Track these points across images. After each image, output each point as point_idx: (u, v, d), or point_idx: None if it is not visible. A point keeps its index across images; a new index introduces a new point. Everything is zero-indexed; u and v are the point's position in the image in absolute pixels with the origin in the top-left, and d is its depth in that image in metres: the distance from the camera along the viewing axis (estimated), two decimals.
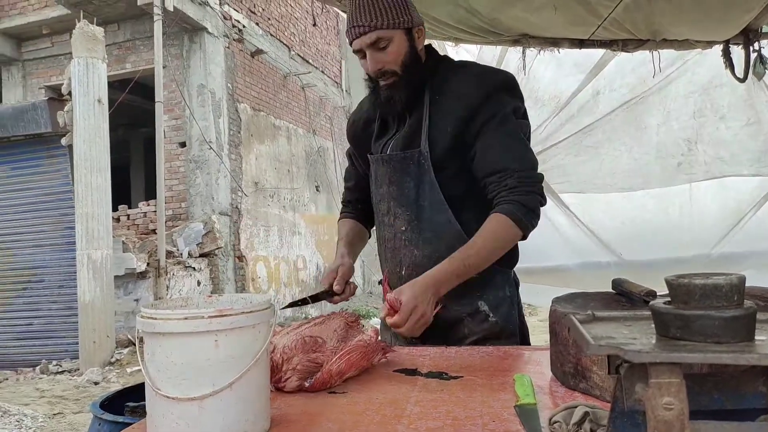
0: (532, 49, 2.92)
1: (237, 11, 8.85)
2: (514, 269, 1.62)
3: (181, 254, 7.18)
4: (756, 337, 0.52)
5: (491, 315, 1.48)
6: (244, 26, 8.95)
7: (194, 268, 7.21)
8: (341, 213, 1.83)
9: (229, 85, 8.39)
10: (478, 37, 2.84)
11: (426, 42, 1.56)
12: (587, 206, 3.10)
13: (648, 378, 0.46)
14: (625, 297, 1.14)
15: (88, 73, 6.06)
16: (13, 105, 6.91)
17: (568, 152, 3.00)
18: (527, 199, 1.34)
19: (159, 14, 7.02)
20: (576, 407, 0.72)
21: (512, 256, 1.54)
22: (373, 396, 1.02)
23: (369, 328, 1.23)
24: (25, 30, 8.71)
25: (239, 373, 0.80)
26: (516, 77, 2.76)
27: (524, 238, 1.37)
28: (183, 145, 8.07)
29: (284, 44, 10.21)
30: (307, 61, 10.97)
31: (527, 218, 1.34)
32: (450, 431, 0.81)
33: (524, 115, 1.50)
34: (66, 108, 6.22)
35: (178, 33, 8.09)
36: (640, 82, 2.90)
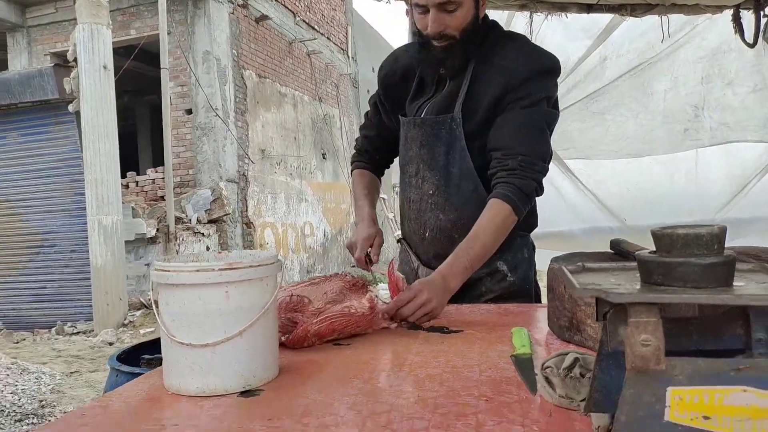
0: (539, 13, 2.89)
1: None
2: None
3: (190, 220, 7.27)
4: (734, 284, 0.55)
5: (509, 275, 1.53)
6: None
7: (203, 233, 7.30)
8: (355, 162, 1.79)
9: (234, 51, 8.32)
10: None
11: None
12: (592, 172, 3.11)
13: (628, 318, 0.49)
14: (622, 256, 1.18)
15: (93, 39, 6.03)
16: (20, 71, 6.91)
17: (574, 118, 2.99)
18: (524, 184, 1.34)
19: None
20: (567, 354, 0.76)
21: (531, 220, 1.57)
22: (377, 347, 1.07)
23: (376, 295, 1.22)
24: None
25: (249, 322, 0.84)
26: None
27: (520, 218, 1.37)
28: (189, 112, 8.06)
29: (289, 10, 10.06)
30: (313, 27, 10.83)
31: (522, 202, 1.34)
32: (449, 377, 0.86)
33: (555, 105, 1.49)
34: (72, 74, 6.22)
35: None
36: (648, 47, 2.87)
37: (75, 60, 6.24)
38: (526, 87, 1.39)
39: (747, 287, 0.53)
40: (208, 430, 0.71)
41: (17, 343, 5.82)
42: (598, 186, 3.11)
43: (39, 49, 8.97)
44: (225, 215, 7.50)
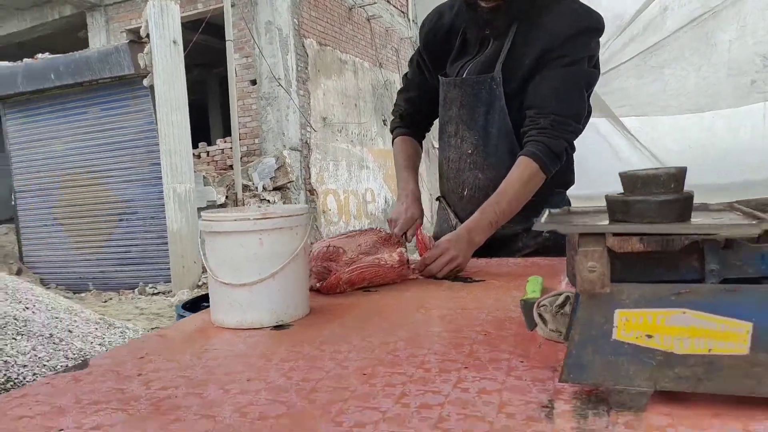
0: None
1: None
2: (569, 193, 1.68)
3: (257, 188, 7.60)
4: (692, 220, 0.60)
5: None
6: None
7: (269, 200, 7.63)
8: (396, 128, 1.78)
9: (295, 20, 8.45)
10: None
11: None
12: (650, 129, 3.01)
13: (578, 248, 0.56)
14: None
15: (162, 15, 6.33)
16: (98, 49, 7.36)
17: (630, 74, 2.90)
18: (554, 143, 1.36)
19: None
20: (561, 294, 0.83)
21: (567, 177, 1.60)
22: (402, 294, 1.16)
23: (406, 251, 1.31)
24: None
25: (280, 266, 0.96)
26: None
27: (549, 176, 1.40)
28: (254, 82, 8.32)
29: None
30: None
31: (551, 161, 1.37)
32: (457, 316, 0.95)
33: (596, 64, 1.48)
34: (145, 50, 6.57)
35: None
36: None
37: (147, 36, 6.59)
38: (568, 45, 1.39)
39: (699, 222, 0.58)
40: (243, 353, 0.84)
41: (105, 302, 6.41)
42: (656, 144, 3.01)
43: (116, 27, 9.48)
44: (289, 182, 7.78)
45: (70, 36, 10.39)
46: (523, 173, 1.38)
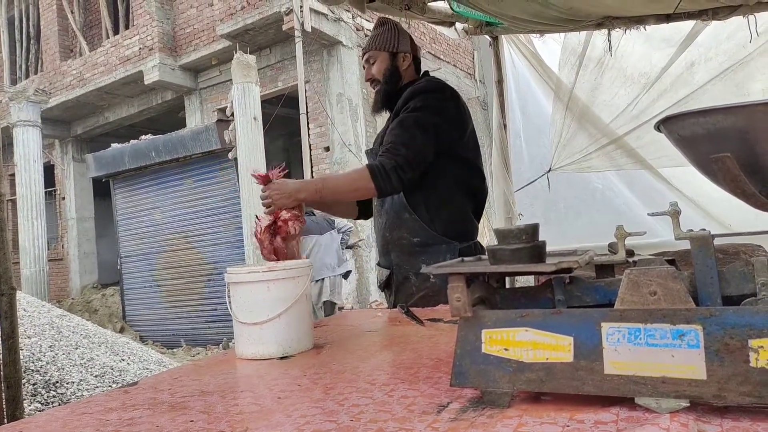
0: (617, 29, 2.97)
1: (368, 21, 9.49)
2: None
3: None
4: (547, 262, 0.79)
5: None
6: None
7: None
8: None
9: (363, 90, 9.06)
10: (558, 27, 2.97)
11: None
12: (690, 178, 3.03)
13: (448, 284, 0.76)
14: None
15: (245, 96, 7.09)
16: (191, 129, 8.30)
17: None
18: (385, 162, 1.68)
19: (299, 36, 7.90)
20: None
21: (460, 231, 1.85)
22: (392, 335, 1.37)
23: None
24: (199, 63, 10.28)
25: (285, 308, 1.21)
26: (600, 59, 2.99)
27: (378, 190, 1.68)
28: (327, 149, 8.93)
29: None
30: (439, 58, 11.30)
31: (379, 173, 1.67)
32: (424, 348, 1.14)
33: (433, 108, 1.77)
34: (230, 127, 7.35)
35: (318, 50, 8.96)
36: (738, 48, 2.79)
37: (232, 114, 7.38)
38: (408, 103, 1.80)
39: (547, 263, 0.77)
40: (247, 375, 1.08)
41: (194, 356, 6.93)
42: (699, 192, 3.03)
43: (208, 107, 10.59)
44: (359, 240, 8.15)
45: (171, 116, 11.70)
46: (355, 172, 1.78)
